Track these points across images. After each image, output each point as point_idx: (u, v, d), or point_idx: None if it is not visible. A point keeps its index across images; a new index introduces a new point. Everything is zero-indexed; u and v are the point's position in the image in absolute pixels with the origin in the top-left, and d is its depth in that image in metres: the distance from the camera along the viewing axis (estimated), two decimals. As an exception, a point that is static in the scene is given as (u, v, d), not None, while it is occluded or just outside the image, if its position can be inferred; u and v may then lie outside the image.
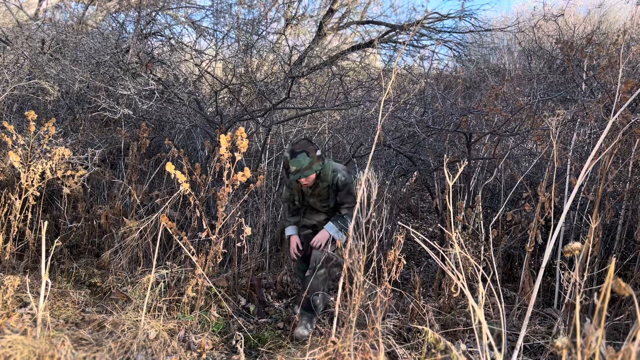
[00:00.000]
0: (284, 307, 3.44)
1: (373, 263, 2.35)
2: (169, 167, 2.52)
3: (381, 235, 3.69)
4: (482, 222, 3.26)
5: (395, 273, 2.28)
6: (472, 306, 1.40)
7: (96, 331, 2.54)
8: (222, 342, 2.62)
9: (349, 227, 2.97)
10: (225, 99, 5.30)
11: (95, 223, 3.73)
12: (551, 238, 1.66)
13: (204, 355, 2.43)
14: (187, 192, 2.71)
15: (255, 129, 4.77)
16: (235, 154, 2.60)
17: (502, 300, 1.63)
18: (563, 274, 1.96)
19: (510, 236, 3.39)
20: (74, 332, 2.45)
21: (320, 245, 3.13)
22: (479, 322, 1.43)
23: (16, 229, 3.22)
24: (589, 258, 2.12)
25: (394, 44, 6.91)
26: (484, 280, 1.57)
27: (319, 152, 3.10)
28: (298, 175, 3.01)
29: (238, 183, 2.66)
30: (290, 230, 3.39)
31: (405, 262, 2.28)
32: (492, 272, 2.54)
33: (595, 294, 1.64)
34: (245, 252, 3.53)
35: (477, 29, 6.50)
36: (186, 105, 4.17)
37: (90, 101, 4.30)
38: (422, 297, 2.75)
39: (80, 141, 4.10)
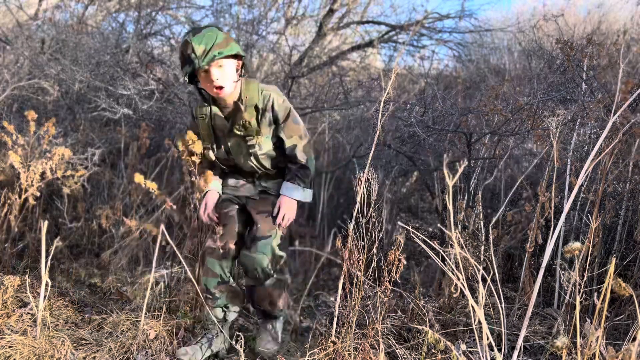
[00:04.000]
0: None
1: (373, 263, 2.35)
2: (138, 178, 2.23)
3: (381, 235, 3.69)
4: (482, 222, 3.25)
5: (396, 273, 2.27)
6: (472, 306, 1.40)
7: (96, 331, 2.54)
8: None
9: (311, 176, 2.17)
10: (225, 99, 5.29)
11: (95, 223, 3.73)
12: (551, 238, 1.66)
13: (203, 356, 2.43)
14: (158, 194, 2.49)
15: (255, 129, 4.76)
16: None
17: (502, 300, 1.63)
18: (563, 274, 1.96)
19: (511, 236, 3.39)
20: (73, 332, 2.45)
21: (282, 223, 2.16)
22: (479, 322, 1.43)
23: (16, 229, 3.22)
24: (589, 258, 2.12)
25: (394, 44, 6.91)
26: (484, 280, 1.57)
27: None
28: (210, 56, 1.91)
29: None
30: (212, 184, 2.29)
31: (405, 262, 2.27)
32: (492, 272, 2.53)
33: (596, 294, 1.64)
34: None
35: (477, 29, 6.50)
36: (186, 105, 4.17)
37: (90, 101, 4.30)
38: (422, 297, 2.75)
39: (80, 141, 4.10)
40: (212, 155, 2.19)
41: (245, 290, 2.35)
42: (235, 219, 2.26)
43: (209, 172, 2.08)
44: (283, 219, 2.20)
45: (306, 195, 2.21)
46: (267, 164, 2.22)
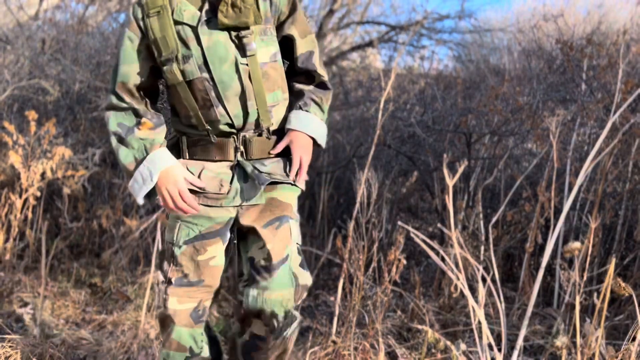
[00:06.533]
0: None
1: (373, 263, 2.35)
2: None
3: (381, 235, 3.69)
4: (482, 222, 3.26)
5: (395, 273, 2.28)
6: (472, 306, 1.40)
7: (96, 331, 2.55)
8: (223, 341, 2.63)
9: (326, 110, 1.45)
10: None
11: (95, 223, 3.73)
12: (551, 238, 1.67)
13: (204, 355, 2.43)
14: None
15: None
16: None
17: (502, 300, 1.63)
18: (563, 274, 1.97)
19: (510, 236, 3.39)
20: (74, 332, 2.45)
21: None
22: (479, 322, 1.43)
23: (16, 229, 3.22)
24: (588, 258, 2.12)
25: (394, 44, 6.91)
26: (483, 280, 1.57)
27: None
28: None
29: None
30: (162, 158, 1.36)
31: (405, 262, 2.28)
32: (492, 272, 2.54)
33: (595, 294, 1.64)
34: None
35: (477, 29, 6.51)
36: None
37: (90, 101, 4.30)
38: (422, 297, 2.75)
39: (80, 141, 4.10)
40: (177, 72, 1.30)
41: (243, 346, 1.48)
42: (219, 268, 1.44)
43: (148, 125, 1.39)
44: (299, 167, 1.40)
45: (323, 131, 1.44)
46: (272, 85, 1.36)
